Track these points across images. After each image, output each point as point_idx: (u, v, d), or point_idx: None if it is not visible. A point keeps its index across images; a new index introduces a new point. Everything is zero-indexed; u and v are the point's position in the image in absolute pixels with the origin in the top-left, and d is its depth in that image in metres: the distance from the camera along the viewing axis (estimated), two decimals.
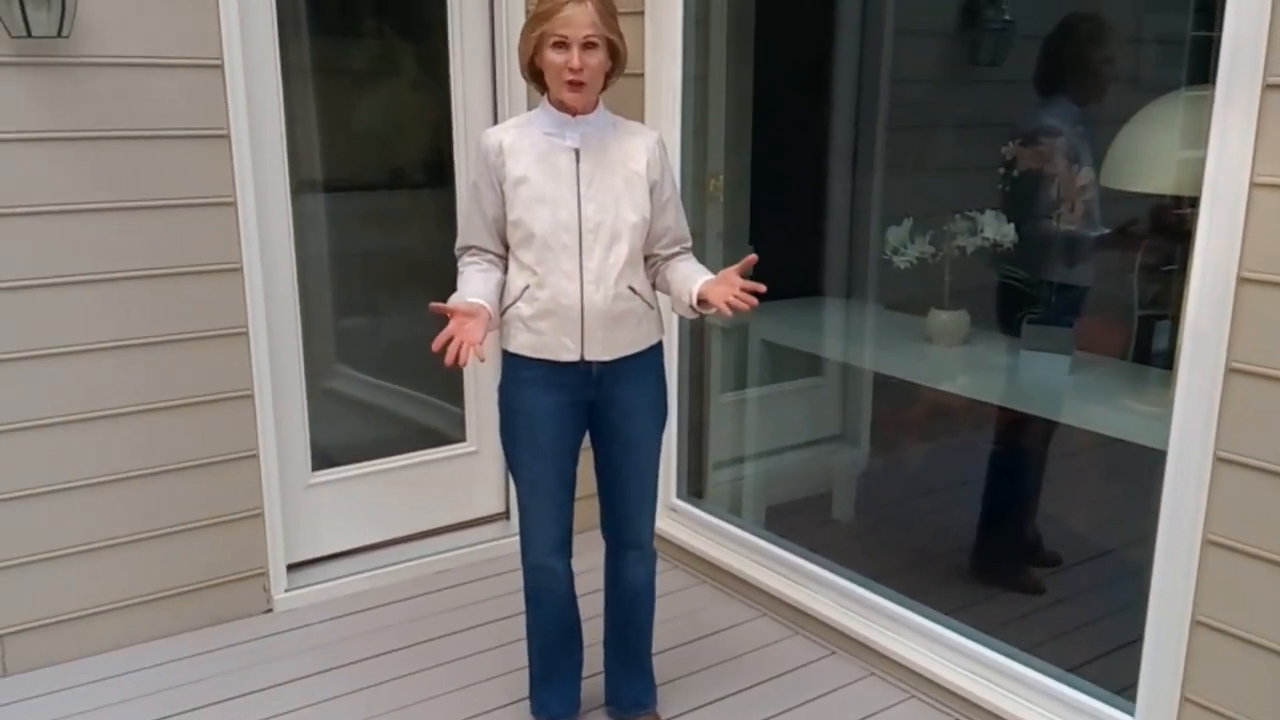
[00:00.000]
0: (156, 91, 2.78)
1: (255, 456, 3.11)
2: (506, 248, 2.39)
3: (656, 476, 2.56)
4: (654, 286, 2.46)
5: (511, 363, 2.41)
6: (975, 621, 2.83)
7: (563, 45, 2.21)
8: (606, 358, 2.36)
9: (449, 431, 3.62)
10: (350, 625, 3.17)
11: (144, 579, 3.01)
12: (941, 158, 3.54)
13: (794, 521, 3.50)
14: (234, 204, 2.93)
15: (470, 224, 2.40)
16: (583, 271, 2.30)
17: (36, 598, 2.87)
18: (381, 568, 3.43)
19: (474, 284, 2.34)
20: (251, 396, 3.06)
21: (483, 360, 2.17)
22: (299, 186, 3.17)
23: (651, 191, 2.36)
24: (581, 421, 2.45)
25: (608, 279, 2.31)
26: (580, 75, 2.22)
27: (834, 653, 3.04)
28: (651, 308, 2.43)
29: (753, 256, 2.26)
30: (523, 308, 2.34)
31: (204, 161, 2.87)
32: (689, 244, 2.49)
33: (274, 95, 3.05)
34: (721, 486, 3.69)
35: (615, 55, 2.29)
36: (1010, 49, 3.48)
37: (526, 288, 2.32)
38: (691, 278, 2.35)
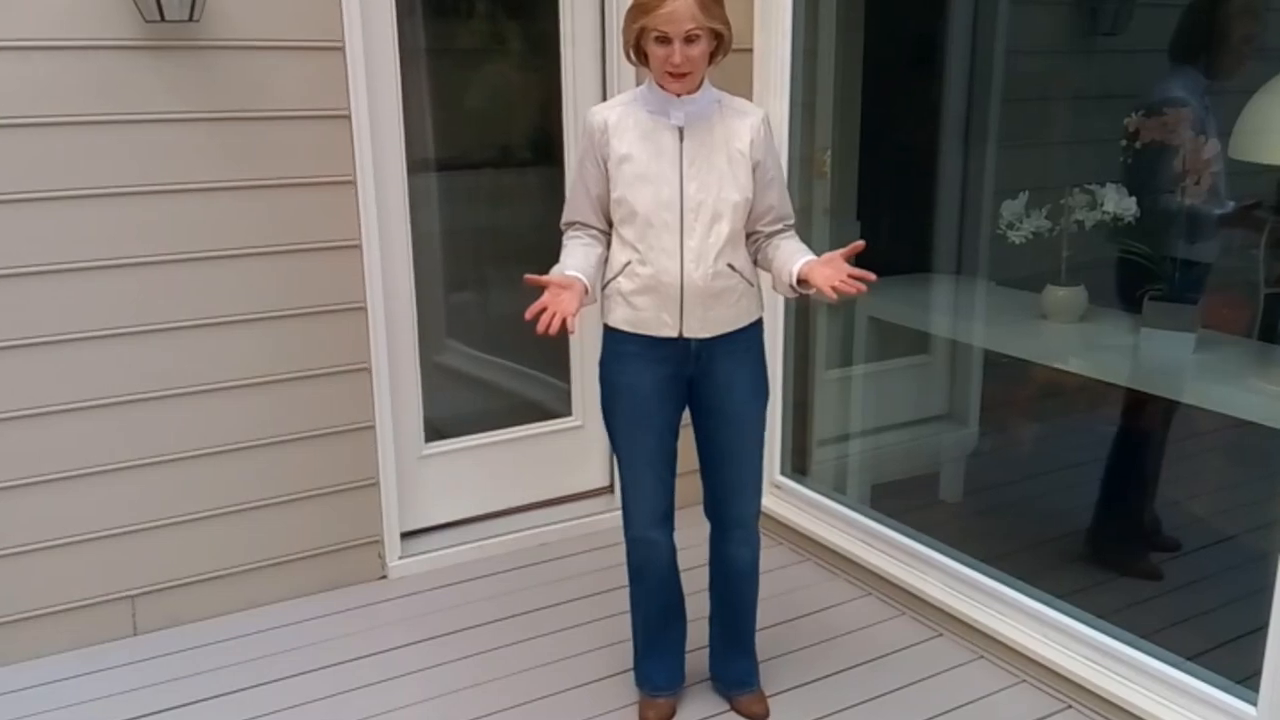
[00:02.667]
0: (281, 74, 2.87)
1: (372, 428, 3.20)
2: (610, 224, 2.41)
3: (760, 456, 2.55)
4: (755, 264, 2.45)
5: (611, 337, 2.44)
6: (1090, 606, 2.76)
7: (664, 40, 2.21)
8: (705, 334, 2.38)
9: (555, 406, 3.68)
10: (459, 594, 3.25)
11: (266, 544, 3.13)
12: (1058, 130, 3.44)
13: (900, 501, 3.46)
14: (354, 183, 3.02)
15: (575, 200, 2.42)
16: (683, 250, 2.31)
17: (165, 560, 3.01)
18: (488, 538, 3.50)
19: (574, 257, 2.37)
20: (369, 369, 3.16)
21: (572, 333, 2.20)
22: (413, 165, 3.24)
23: (754, 170, 2.36)
24: (681, 396, 2.46)
25: (708, 257, 2.32)
26: (681, 68, 2.23)
27: (941, 634, 3.00)
28: (751, 285, 2.43)
29: (860, 243, 2.24)
30: (623, 283, 2.37)
31: (326, 141, 2.96)
32: (792, 221, 2.48)
33: (392, 76, 3.12)
34: (826, 464, 3.67)
35: (719, 40, 2.28)
36: (1130, 18, 3.36)
37: (628, 264, 2.35)
38: (793, 257, 2.34)
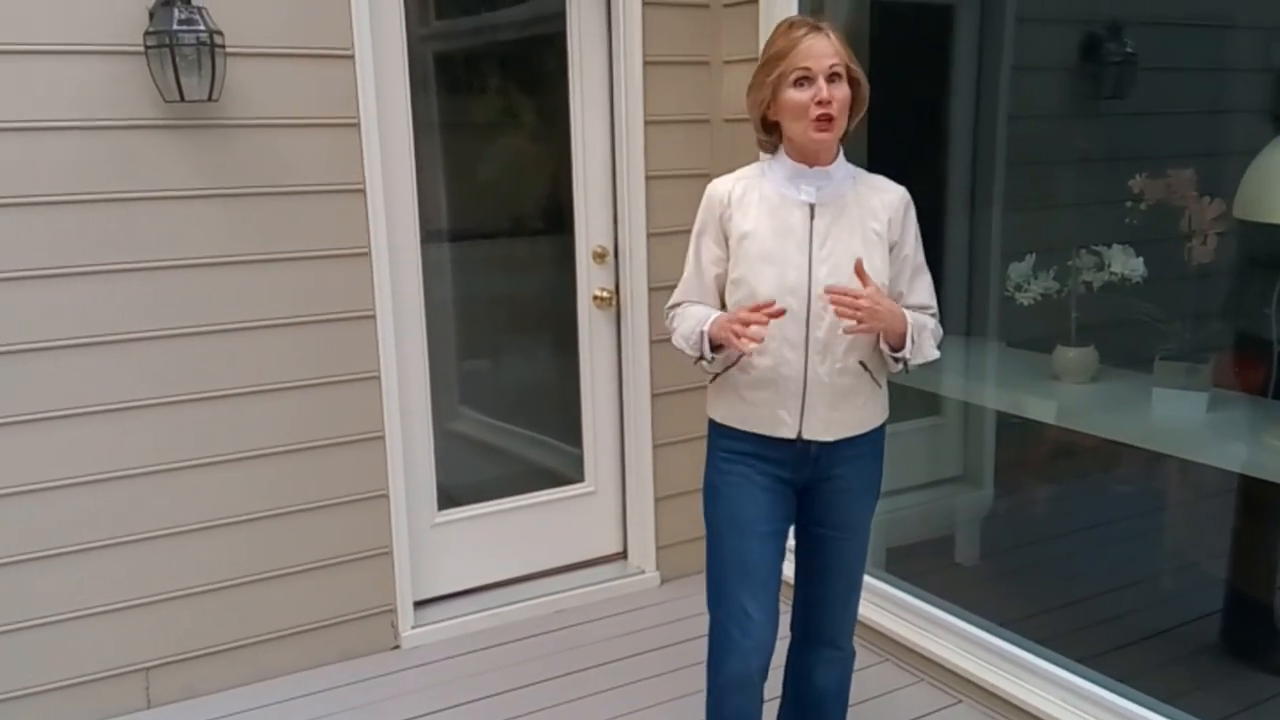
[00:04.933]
0: (298, 150, 2.94)
1: (385, 496, 3.21)
2: (723, 308, 2.18)
3: (863, 569, 2.30)
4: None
5: (717, 434, 2.20)
6: (1111, 670, 2.72)
7: (806, 80, 2.01)
8: (827, 437, 2.12)
9: (568, 472, 3.68)
10: (474, 663, 3.23)
11: (279, 615, 3.13)
12: (1064, 192, 3.48)
13: (915, 564, 3.44)
14: (368, 254, 3.07)
15: (690, 280, 2.21)
16: (808, 341, 2.07)
17: (179, 632, 3.01)
18: (502, 606, 3.49)
19: (700, 308, 2.16)
20: (383, 438, 3.18)
21: (759, 342, 1.99)
22: (427, 236, 3.30)
23: (891, 251, 2.14)
24: (793, 504, 2.21)
25: (836, 350, 2.08)
26: (830, 109, 2.01)
27: (960, 700, 2.96)
28: (880, 387, 2.19)
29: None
30: (737, 374, 2.13)
31: (341, 215, 3.02)
32: (933, 311, 2.23)
33: (406, 150, 3.19)
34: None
35: (856, 87, 2.07)
36: (1134, 82, 3.41)
37: (744, 353, 2.08)
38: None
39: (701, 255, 2.19)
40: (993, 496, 3.76)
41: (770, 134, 2.15)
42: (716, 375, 2.19)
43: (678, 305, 2.24)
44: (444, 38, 3.39)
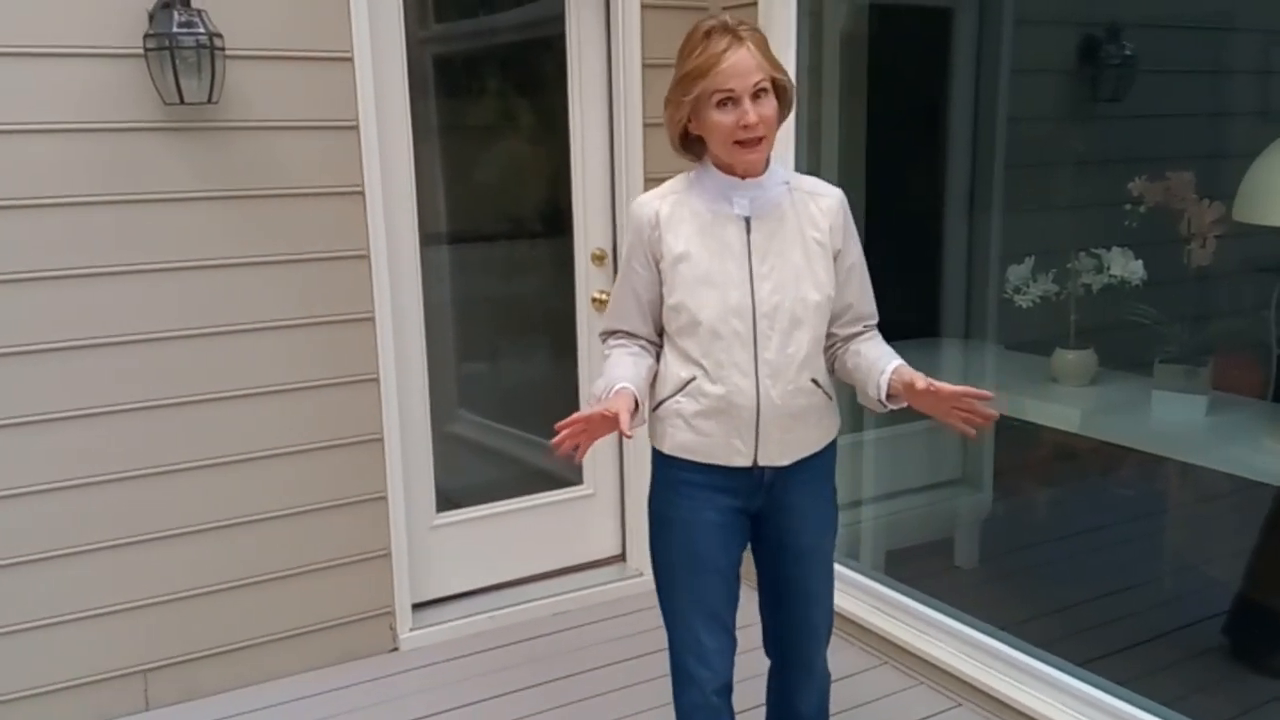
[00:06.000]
0: (297, 152, 2.94)
1: (384, 498, 3.21)
2: (660, 333, 2.07)
3: (831, 593, 2.20)
4: (831, 371, 2.10)
5: (666, 465, 2.07)
6: (1110, 674, 2.72)
7: (730, 101, 1.88)
8: (783, 461, 2.03)
9: (566, 475, 3.68)
10: (472, 665, 3.22)
11: (278, 617, 3.13)
12: (1063, 195, 3.48)
13: (915, 567, 3.44)
14: (367, 257, 3.07)
15: (620, 305, 2.06)
16: (758, 364, 1.95)
17: (178, 634, 3.01)
18: (501, 608, 3.48)
19: (622, 367, 2.00)
20: (382, 440, 3.17)
21: (629, 437, 1.90)
22: (425, 238, 3.30)
23: (835, 261, 2.03)
24: (746, 532, 2.11)
25: (787, 372, 1.96)
26: (756, 130, 1.89)
27: (960, 704, 2.95)
28: (831, 399, 2.08)
29: (988, 394, 1.89)
30: (684, 403, 2.00)
31: (340, 217, 3.02)
32: (874, 321, 2.12)
33: (405, 153, 3.19)
34: (839, 530, 3.64)
35: (783, 95, 1.95)
36: (1132, 84, 3.41)
37: (691, 380, 1.98)
38: (877, 364, 1.99)
39: (632, 280, 2.03)
40: (991, 499, 3.76)
41: (689, 150, 2.02)
42: (659, 405, 2.05)
43: (612, 334, 2.09)
44: (443, 40, 3.40)
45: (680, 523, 2.05)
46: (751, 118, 1.88)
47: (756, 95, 1.88)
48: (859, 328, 2.09)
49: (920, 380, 1.89)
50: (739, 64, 1.86)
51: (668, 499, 2.08)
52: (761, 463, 2.01)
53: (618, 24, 3.37)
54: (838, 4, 3.42)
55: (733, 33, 1.89)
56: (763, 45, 1.91)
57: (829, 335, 2.07)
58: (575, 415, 1.85)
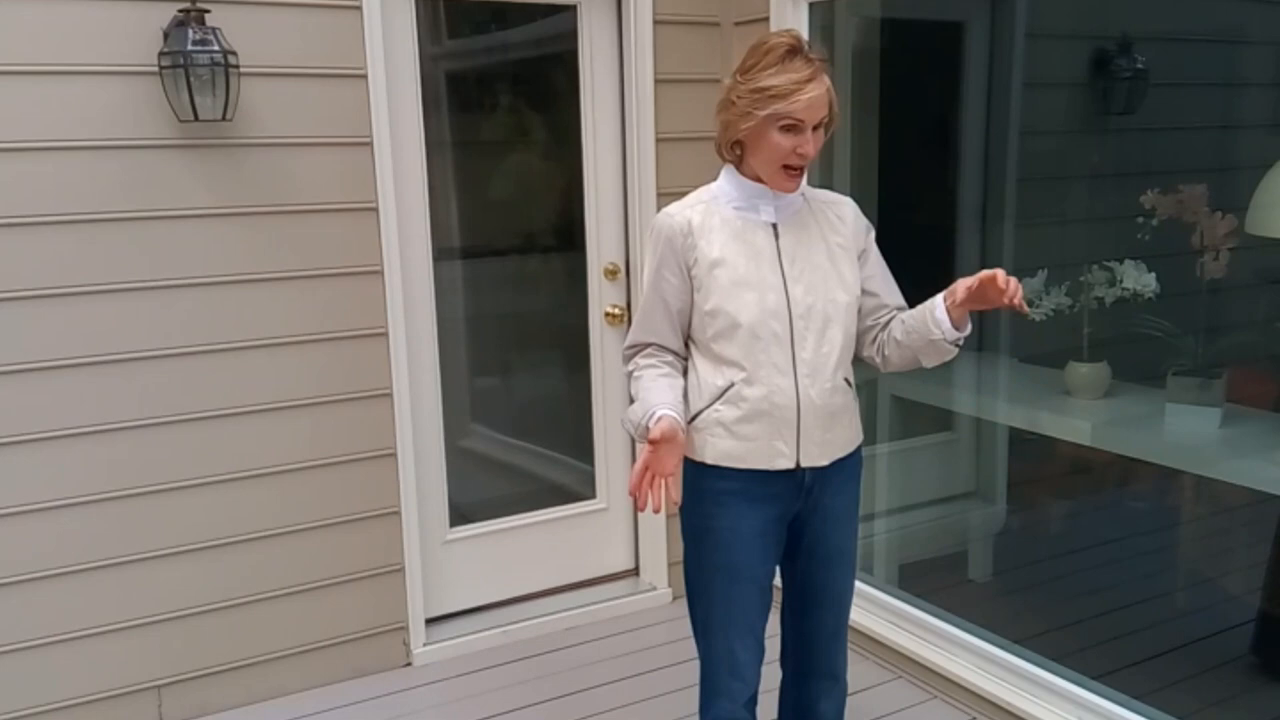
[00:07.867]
0: (311, 168, 2.95)
1: (397, 513, 3.21)
2: (688, 345, 2.10)
3: (852, 595, 2.24)
4: (884, 361, 2.14)
5: (703, 475, 2.07)
6: (1124, 687, 2.71)
7: (795, 129, 1.94)
8: (823, 462, 2.06)
9: (579, 489, 3.68)
10: (485, 680, 3.22)
11: (292, 632, 3.13)
12: (1076, 208, 3.48)
13: (928, 581, 3.43)
14: (381, 272, 3.08)
15: (650, 318, 2.07)
16: (795, 364, 2.01)
17: (191, 650, 3.01)
18: (514, 623, 3.48)
19: (660, 391, 2.00)
20: (395, 455, 3.18)
21: (677, 503, 1.97)
22: (439, 253, 3.31)
23: (860, 261, 2.11)
24: (783, 539, 2.14)
25: (823, 370, 2.02)
26: (807, 160, 1.98)
27: (975, 718, 2.94)
28: (857, 400, 2.15)
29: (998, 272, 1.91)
30: (724, 411, 2.02)
31: (354, 233, 3.03)
32: (904, 305, 2.18)
33: (418, 169, 3.21)
34: None
35: (829, 126, 2.03)
36: (1144, 97, 3.41)
37: (730, 386, 2.01)
38: (925, 310, 2.03)
39: (663, 290, 2.05)
40: (1005, 512, 3.75)
41: (734, 155, 2.06)
42: (696, 416, 2.06)
43: (640, 348, 2.10)
44: (456, 57, 3.41)
45: (720, 532, 2.07)
46: (810, 149, 1.96)
47: (816, 127, 1.97)
48: (893, 313, 2.14)
49: (960, 290, 1.95)
50: (818, 99, 1.93)
51: (706, 510, 2.08)
52: (804, 464, 2.05)
53: (630, 39, 3.39)
54: (850, 18, 3.43)
55: (811, 62, 1.95)
56: (830, 77, 1.97)
57: (869, 329, 2.14)
58: (635, 473, 1.90)
